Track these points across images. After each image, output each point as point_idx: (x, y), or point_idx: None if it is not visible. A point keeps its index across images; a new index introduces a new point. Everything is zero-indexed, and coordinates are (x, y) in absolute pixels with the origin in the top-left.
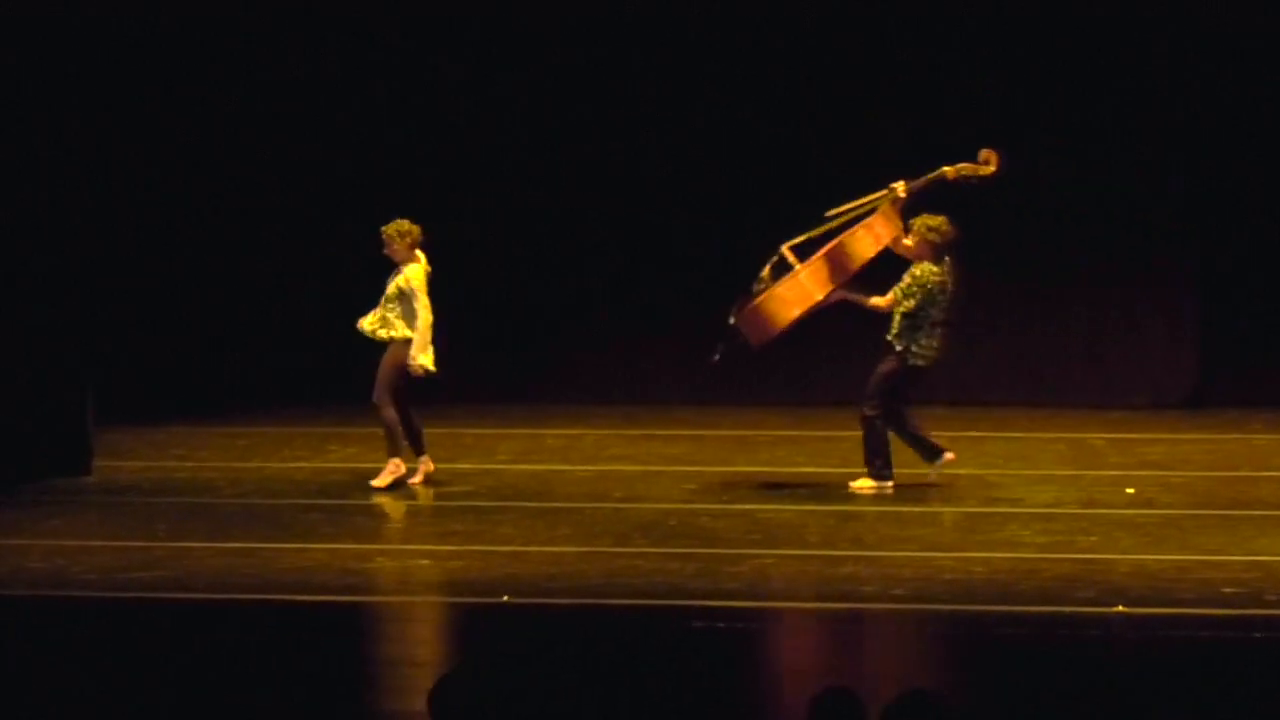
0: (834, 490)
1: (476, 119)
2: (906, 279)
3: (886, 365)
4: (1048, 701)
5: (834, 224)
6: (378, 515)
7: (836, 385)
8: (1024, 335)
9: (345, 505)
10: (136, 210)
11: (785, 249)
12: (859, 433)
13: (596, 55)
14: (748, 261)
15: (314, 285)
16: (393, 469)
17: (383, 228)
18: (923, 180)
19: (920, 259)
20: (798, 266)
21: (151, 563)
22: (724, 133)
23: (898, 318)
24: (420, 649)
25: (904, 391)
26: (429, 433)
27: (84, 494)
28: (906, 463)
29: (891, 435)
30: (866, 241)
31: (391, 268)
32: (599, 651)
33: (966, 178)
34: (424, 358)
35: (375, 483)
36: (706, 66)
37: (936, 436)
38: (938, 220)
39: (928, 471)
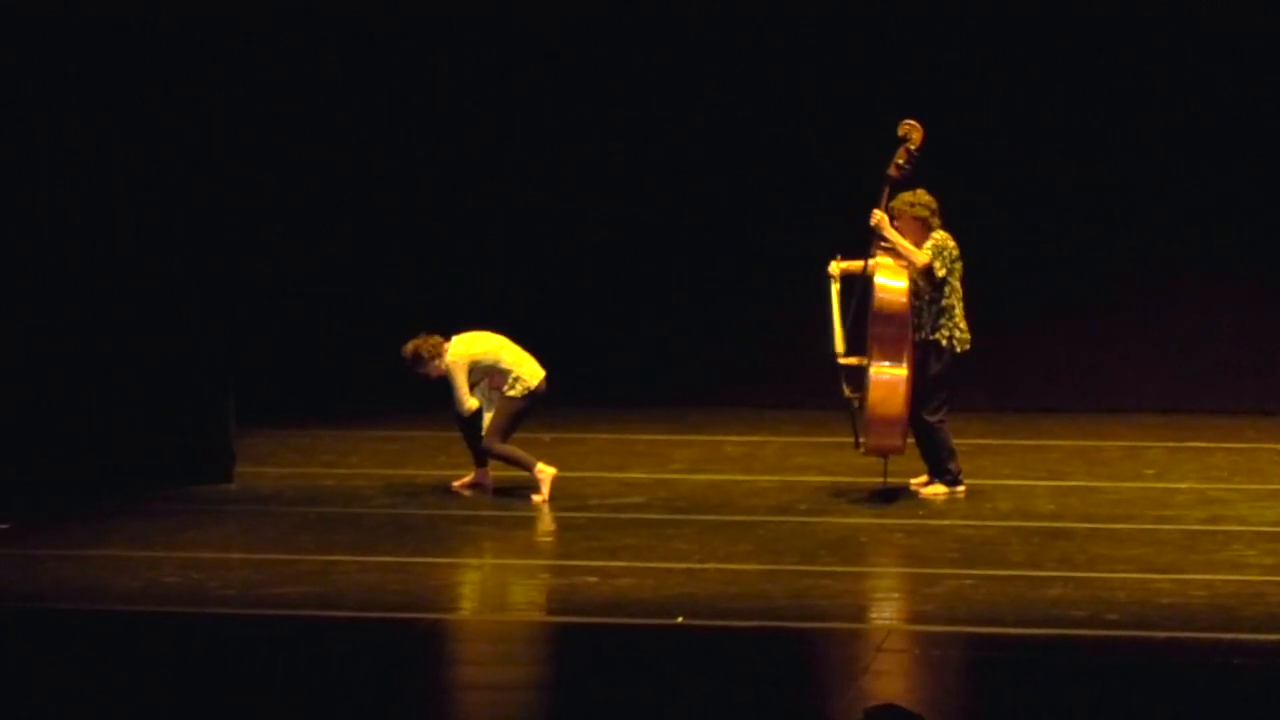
0: (1040, 504)
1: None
2: (927, 245)
3: (936, 367)
4: None
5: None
6: (542, 529)
7: (1044, 391)
8: (1252, 337)
9: (506, 517)
10: (275, 208)
11: (841, 361)
12: (1069, 442)
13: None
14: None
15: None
16: (542, 475)
17: (408, 358)
18: (883, 198)
19: (918, 237)
20: (865, 362)
21: (296, 577)
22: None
23: (927, 311)
24: (587, 674)
25: (954, 385)
26: (600, 438)
27: (224, 503)
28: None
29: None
30: (894, 290)
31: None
32: (782, 677)
33: (908, 162)
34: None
35: (537, 498)
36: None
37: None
38: (914, 194)
39: (909, 481)
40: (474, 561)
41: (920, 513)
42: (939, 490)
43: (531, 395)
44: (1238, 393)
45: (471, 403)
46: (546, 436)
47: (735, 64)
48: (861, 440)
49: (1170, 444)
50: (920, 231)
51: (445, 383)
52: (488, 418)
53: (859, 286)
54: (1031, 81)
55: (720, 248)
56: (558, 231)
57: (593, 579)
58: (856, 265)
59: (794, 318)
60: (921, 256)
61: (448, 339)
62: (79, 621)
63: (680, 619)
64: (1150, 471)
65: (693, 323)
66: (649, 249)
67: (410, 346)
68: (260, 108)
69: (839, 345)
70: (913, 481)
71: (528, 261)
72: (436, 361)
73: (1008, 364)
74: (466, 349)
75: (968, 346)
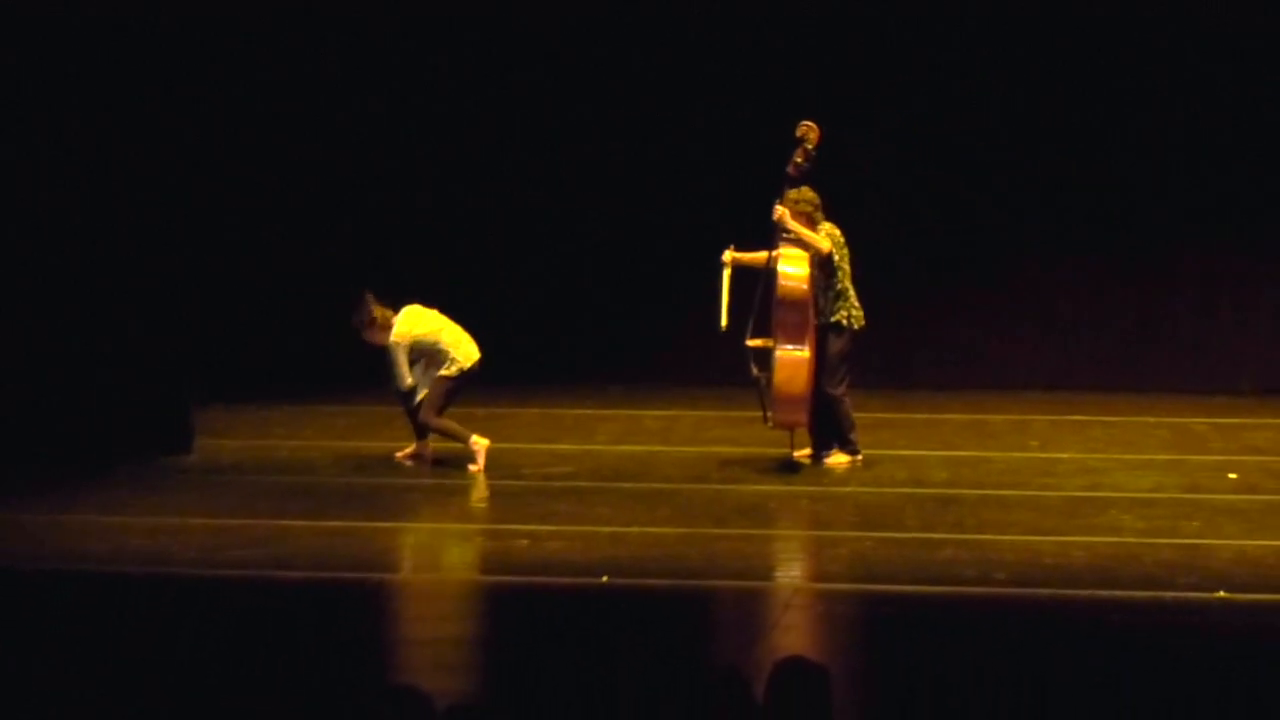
0: (934, 472)
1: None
2: (823, 231)
3: (837, 344)
4: (1148, 688)
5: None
6: (477, 496)
7: (938, 370)
8: (1128, 320)
9: (444, 485)
10: (238, 193)
11: (749, 343)
12: (961, 416)
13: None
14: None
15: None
16: (477, 447)
17: (358, 323)
18: (783, 194)
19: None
20: (771, 344)
21: (252, 541)
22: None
23: (824, 297)
24: (519, 629)
25: (854, 360)
26: (534, 413)
27: (186, 472)
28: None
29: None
30: (796, 277)
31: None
32: (697, 632)
33: (805, 160)
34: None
35: (473, 467)
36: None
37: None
38: (798, 192)
39: (793, 453)
40: (415, 526)
41: (824, 481)
42: (841, 460)
43: (464, 374)
44: (1115, 371)
45: (409, 380)
46: (480, 412)
47: (652, 44)
48: (769, 415)
49: (1053, 418)
50: (807, 225)
51: (384, 356)
52: (423, 394)
53: (763, 276)
54: (920, 72)
55: (641, 240)
56: (489, 216)
57: (524, 542)
58: (754, 257)
59: (710, 302)
60: (824, 243)
61: (396, 311)
62: (54, 582)
63: (605, 578)
64: (1035, 443)
65: (616, 307)
66: (579, 239)
67: (364, 312)
68: (214, 109)
69: (724, 322)
70: (796, 453)
71: (463, 245)
72: (382, 333)
73: (904, 345)
74: (411, 328)
75: (863, 323)
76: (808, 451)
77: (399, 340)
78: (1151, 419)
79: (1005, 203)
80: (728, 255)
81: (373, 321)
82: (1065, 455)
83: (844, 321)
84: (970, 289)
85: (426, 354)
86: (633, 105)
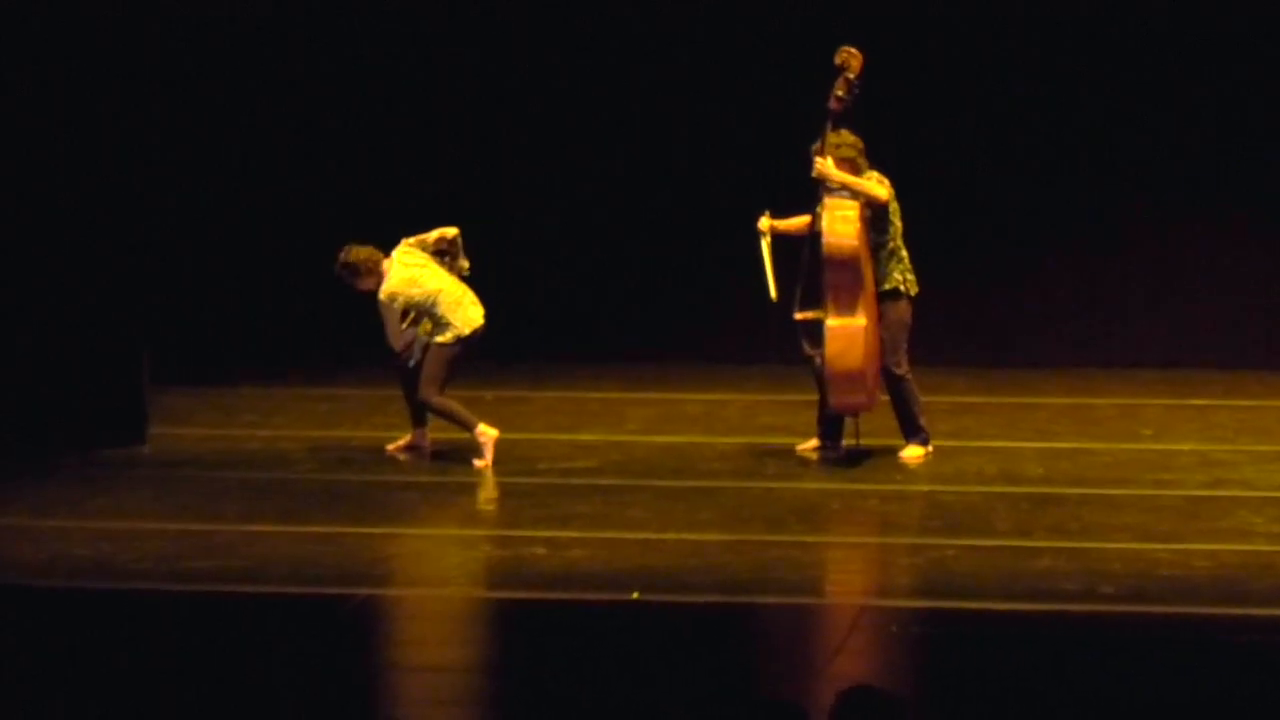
0: (1028, 467)
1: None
2: (872, 178)
3: (897, 312)
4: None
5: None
6: (485, 496)
7: (1034, 345)
8: (1255, 289)
9: (447, 483)
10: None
11: (797, 317)
12: (1060, 400)
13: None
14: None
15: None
16: (485, 437)
17: (343, 272)
18: (824, 133)
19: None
20: (821, 316)
21: (216, 550)
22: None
23: (875, 259)
24: (534, 654)
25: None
26: (550, 397)
27: (137, 467)
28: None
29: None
30: (844, 234)
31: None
32: (747, 658)
33: (847, 93)
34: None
35: (479, 462)
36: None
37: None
38: (838, 136)
39: (797, 447)
40: (411, 532)
41: (897, 477)
42: (915, 453)
43: (462, 342)
44: (1242, 346)
45: (398, 344)
46: (488, 395)
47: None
48: (834, 404)
49: (1169, 402)
50: (851, 174)
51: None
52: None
53: (808, 239)
54: (1017, 27)
55: (677, 196)
56: (504, 179)
57: (541, 550)
58: (793, 223)
59: (755, 270)
60: (880, 191)
61: (388, 254)
62: None
63: (635, 594)
64: (1148, 432)
65: (648, 271)
66: (602, 190)
67: (348, 257)
68: (171, 69)
69: (773, 293)
70: (800, 447)
71: (472, 203)
72: (370, 279)
73: (995, 316)
74: (405, 287)
75: (918, 289)
76: (814, 444)
77: (389, 301)
78: None
79: (1115, 157)
80: (764, 223)
81: (356, 270)
82: (1184, 446)
83: (900, 287)
84: (1073, 253)
85: (420, 314)
86: (664, 67)
